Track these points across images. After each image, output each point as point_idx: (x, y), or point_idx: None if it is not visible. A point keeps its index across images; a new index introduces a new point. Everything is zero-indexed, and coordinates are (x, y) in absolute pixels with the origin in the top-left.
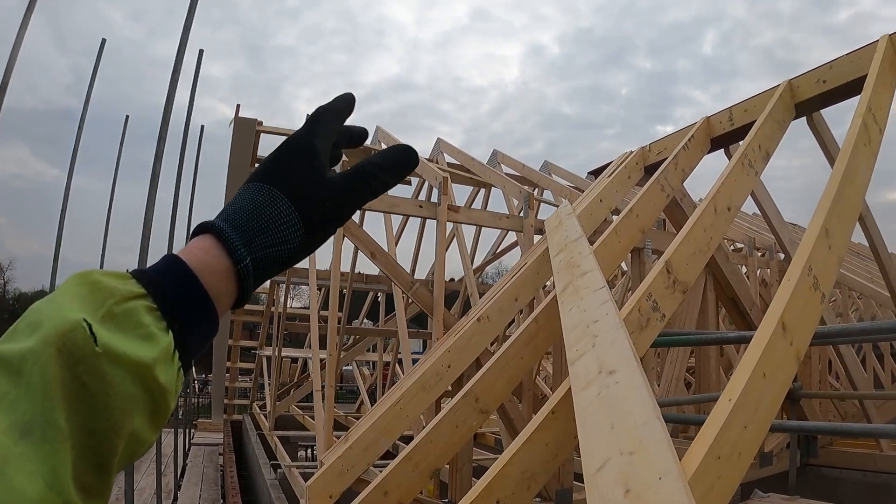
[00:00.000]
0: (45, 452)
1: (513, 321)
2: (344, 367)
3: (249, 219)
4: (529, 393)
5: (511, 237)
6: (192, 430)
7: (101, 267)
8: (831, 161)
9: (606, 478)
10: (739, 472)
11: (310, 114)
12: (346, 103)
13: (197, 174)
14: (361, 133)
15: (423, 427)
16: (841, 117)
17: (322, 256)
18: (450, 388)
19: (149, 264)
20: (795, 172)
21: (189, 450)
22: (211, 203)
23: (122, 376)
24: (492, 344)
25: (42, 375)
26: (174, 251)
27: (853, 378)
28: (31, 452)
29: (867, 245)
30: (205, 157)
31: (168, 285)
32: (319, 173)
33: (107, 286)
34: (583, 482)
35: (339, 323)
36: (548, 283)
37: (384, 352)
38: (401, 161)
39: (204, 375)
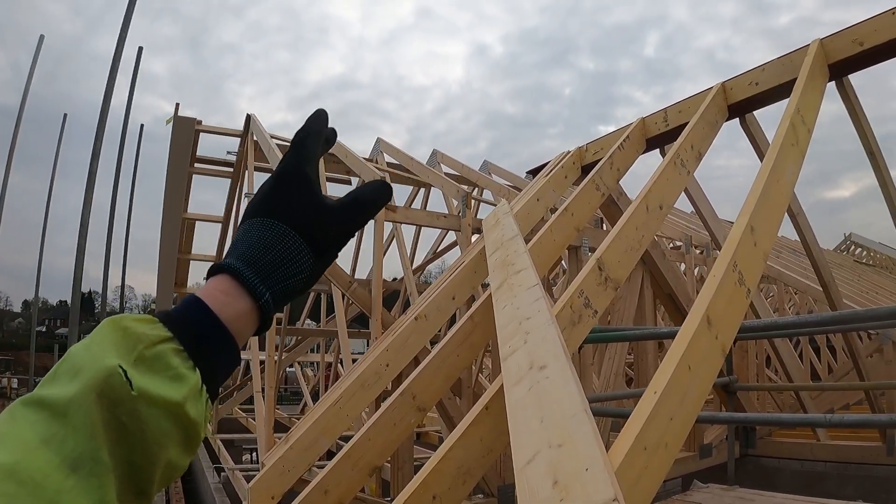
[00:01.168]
0: (92, 485)
1: (454, 320)
2: (287, 369)
3: (262, 255)
4: (469, 390)
5: (452, 236)
6: None
7: (39, 272)
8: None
9: (535, 470)
10: (667, 463)
11: (293, 140)
12: (322, 122)
13: (137, 173)
14: (332, 136)
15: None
16: (779, 119)
17: None
18: (389, 386)
19: (85, 268)
20: (735, 172)
21: None
22: (150, 203)
23: (157, 415)
24: (432, 342)
25: (86, 418)
26: (123, 256)
27: (789, 370)
28: (82, 485)
29: None
30: (145, 155)
31: (192, 326)
32: (318, 201)
33: (136, 332)
34: None
35: (279, 324)
36: (487, 280)
37: (326, 352)
38: (384, 194)
39: None
